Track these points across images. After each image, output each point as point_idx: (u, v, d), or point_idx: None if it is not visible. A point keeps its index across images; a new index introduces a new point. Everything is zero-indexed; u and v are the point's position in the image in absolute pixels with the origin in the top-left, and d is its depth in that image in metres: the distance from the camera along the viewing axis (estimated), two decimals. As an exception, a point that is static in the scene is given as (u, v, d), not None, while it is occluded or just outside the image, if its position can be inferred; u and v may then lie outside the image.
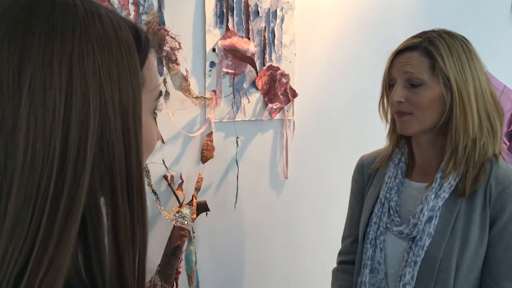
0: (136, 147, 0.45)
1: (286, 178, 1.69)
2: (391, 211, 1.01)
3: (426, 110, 0.94)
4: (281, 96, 1.61)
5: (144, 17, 1.23)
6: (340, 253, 1.21)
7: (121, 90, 0.43)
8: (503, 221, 0.89)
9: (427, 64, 0.94)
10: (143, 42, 0.47)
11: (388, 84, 1.02)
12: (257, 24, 1.55)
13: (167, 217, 1.28)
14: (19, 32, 0.39)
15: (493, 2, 2.15)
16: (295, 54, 1.63)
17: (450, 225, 0.91)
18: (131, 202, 0.45)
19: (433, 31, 0.99)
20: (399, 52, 0.98)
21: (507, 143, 2.44)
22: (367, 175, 1.14)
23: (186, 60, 1.37)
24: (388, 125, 1.07)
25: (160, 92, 0.52)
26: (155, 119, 0.53)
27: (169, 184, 1.43)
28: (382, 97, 1.05)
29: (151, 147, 0.51)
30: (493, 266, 0.90)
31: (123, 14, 1.19)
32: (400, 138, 1.07)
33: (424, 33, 0.99)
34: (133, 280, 0.46)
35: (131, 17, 1.21)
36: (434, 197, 0.94)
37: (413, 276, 0.91)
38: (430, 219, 0.93)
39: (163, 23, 1.27)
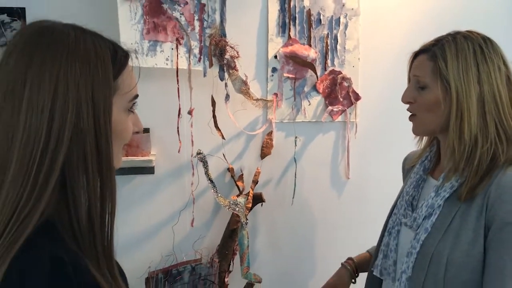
0: (106, 135, 0.63)
1: (348, 178, 1.74)
2: (406, 205, 1.06)
3: (425, 112, 0.97)
4: (341, 99, 1.68)
5: (207, 30, 1.45)
6: None
7: (94, 94, 0.62)
8: (494, 228, 0.86)
9: (430, 67, 0.96)
10: (118, 58, 0.67)
11: None
12: (320, 32, 1.65)
13: (222, 203, 1.47)
14: (26, 52, 0.61)
15: None
16: (359, 59, 1.69)
17: (446, 224, 0.92)
18: (101, 175, 0.63)
19: (455, 32, 0.99)
20: (417, 55, 1.02)
21: None
22: (405, 171, 1.22)
23: (246, 67, 1.55)
24: None
25: (136, 95, 0.70)
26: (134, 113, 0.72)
27: (232, 176, 1.62)
28: None
29: (124, 136, 0.69)
30: (484, 272, 0.87)
31: (189, 29, 1.43)
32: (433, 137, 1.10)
33: (448, 34, 0.99)
34: (100, 236, 0.63)
35: (196, 31, 1.44)
36: (435, 195, 0.96)
37: (409, 266, 0.95)
38: (429, 215, 0.95)
39: (224, 35, 1.47)
